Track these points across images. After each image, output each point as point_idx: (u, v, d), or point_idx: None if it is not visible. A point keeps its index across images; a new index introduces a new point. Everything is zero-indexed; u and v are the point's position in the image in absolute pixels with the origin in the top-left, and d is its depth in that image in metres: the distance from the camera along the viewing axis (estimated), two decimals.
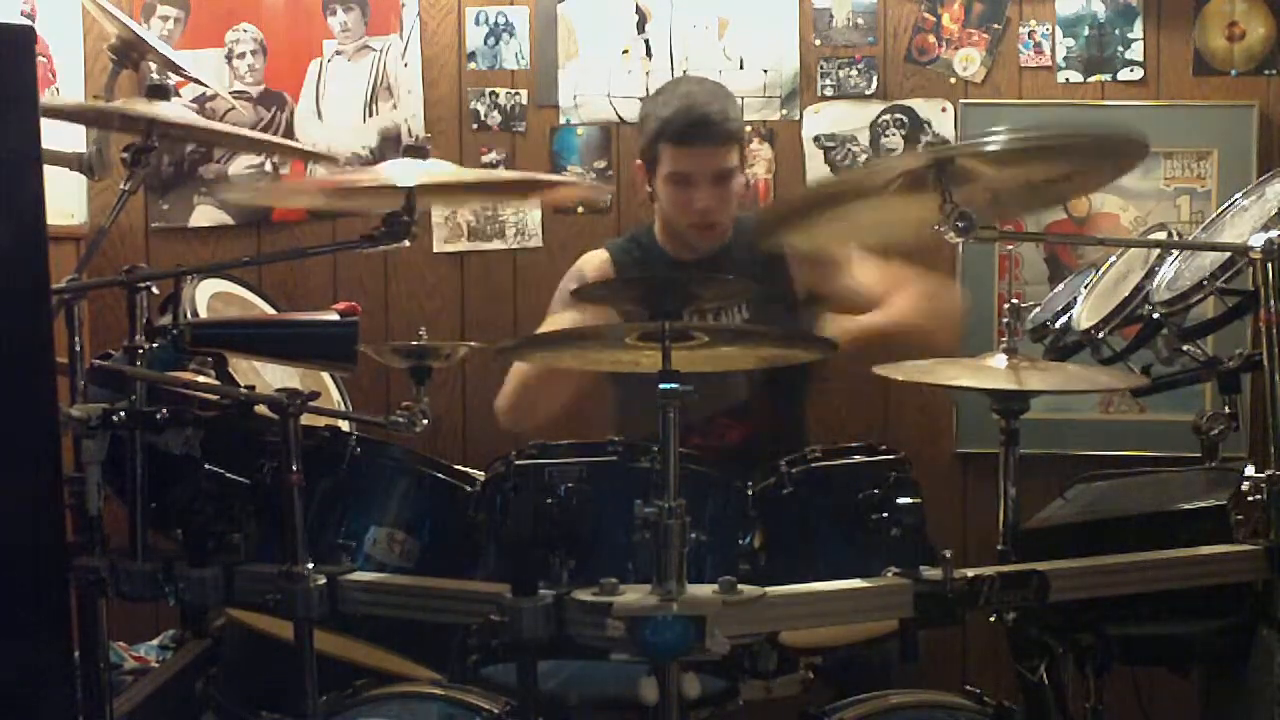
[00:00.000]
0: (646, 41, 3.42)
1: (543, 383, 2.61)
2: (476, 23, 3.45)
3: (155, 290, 1.96)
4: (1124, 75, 3.37)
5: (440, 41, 3.46)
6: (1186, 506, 2.02)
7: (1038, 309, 2.70)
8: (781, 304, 2.76)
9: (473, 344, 2.13)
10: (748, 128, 3.37)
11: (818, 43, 3.41)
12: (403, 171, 1.95)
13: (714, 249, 2.80)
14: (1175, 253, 2.28)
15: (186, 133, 2.52)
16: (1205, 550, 1.92)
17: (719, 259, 2.80)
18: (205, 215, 3.49)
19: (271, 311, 2.57)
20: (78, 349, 1.97)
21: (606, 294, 2.32)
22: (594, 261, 2.90)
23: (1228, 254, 2.05)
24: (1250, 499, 1.93)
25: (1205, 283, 2.09)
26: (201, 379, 1.98)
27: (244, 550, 1.87)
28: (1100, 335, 2.33)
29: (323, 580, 1.78)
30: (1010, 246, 3.21)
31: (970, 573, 1.79)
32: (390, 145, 3.42)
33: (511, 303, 3.47)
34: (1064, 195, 2.30)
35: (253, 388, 1.99)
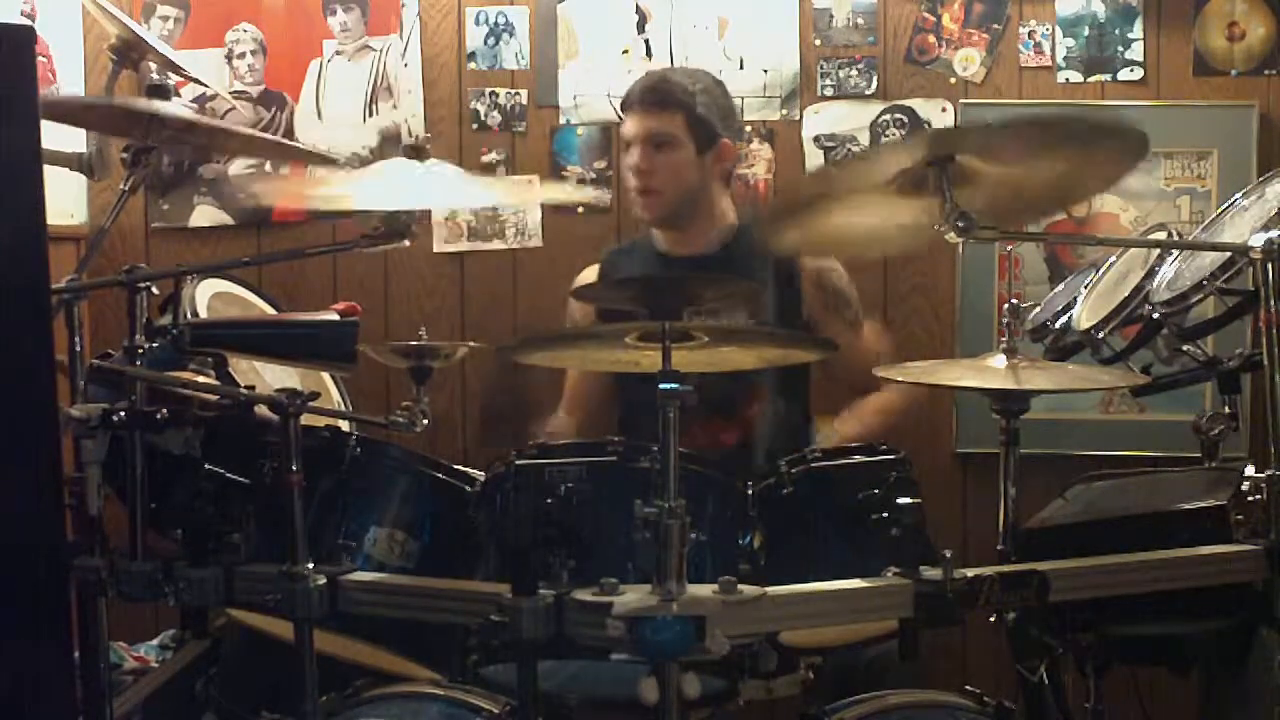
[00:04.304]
0: (646, 41, 3.42)
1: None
2: (476, 23, 3.45)
3: (155, 290, 1.96)
4: (1124, 75, 3.37)
5: (440, 41, 3.46)
6: (1186, 506, 2.02)
7: (1038, 309, 2.70)
8: (786, 320, 2.75)
9: (473, 344, 2.13)
10: (747, 127, 3.38)
11: (818, 43, 3.41)
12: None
13: (661, 218, 2.84)
14: (1175, 253, 2.28)
15: (187, 131, 2.50)
16: (1205, 550, 1.92)
17: (717, 258, 2.81)
18: (205, 215, 3.49)
19: (271, 311, 2.57)
20: (78, 349, 1.97)
21: (604, 294, 2.32)
22: (582, 280, 2.93)
23: (1228, 254, 2.05)
24: (1250, 499, 1.93)
25: (1205, 283, 2.09)
26: (201, 379, 1.98)
27: (244, 550, 1.86)
28: (1100, 335, 2.32)
29: (323, 580, 1.78)
30: (1010, 246, 3.20)
31: (970, 573, 1.78)
32: (390, 145, 3.42)
33: (511, 303, 3.47)
34: (1064, 198, 2.29)
35: (253, 388, 1.99)
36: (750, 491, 1.93)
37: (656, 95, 2.80)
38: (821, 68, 3.41)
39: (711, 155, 2.81)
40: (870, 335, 2.92)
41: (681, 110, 2.78)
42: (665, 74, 2.95)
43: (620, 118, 2.94)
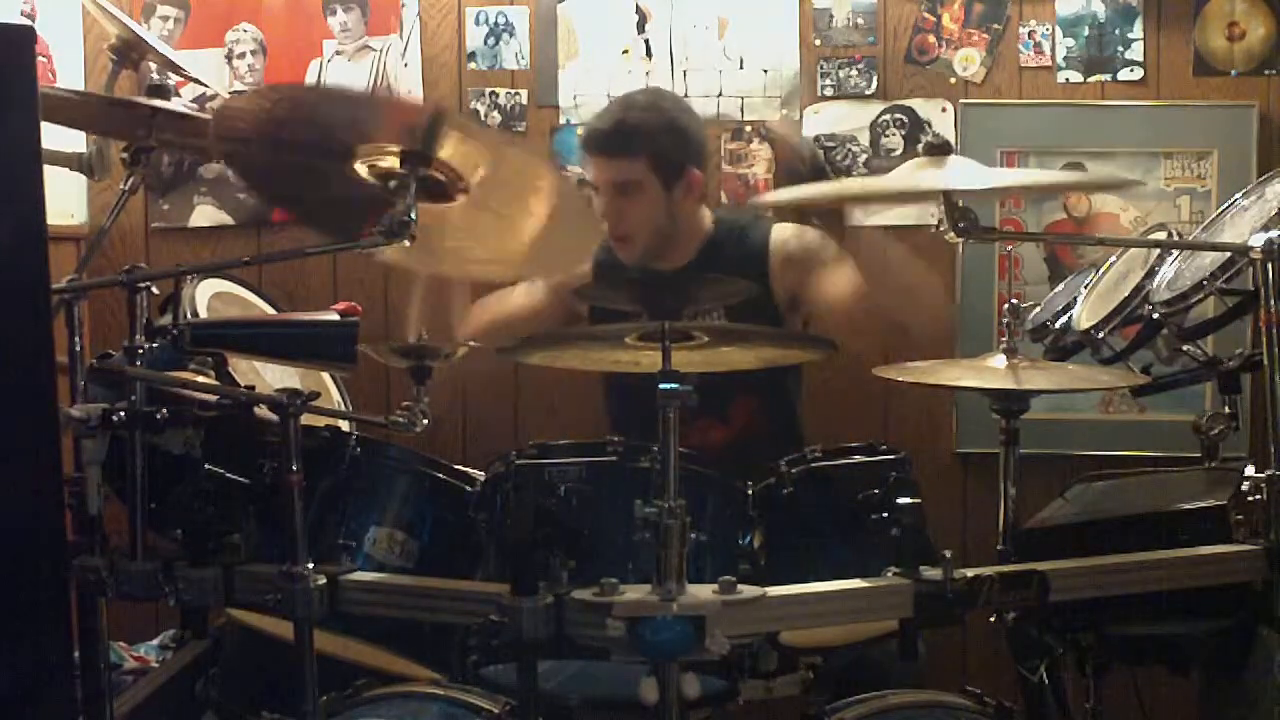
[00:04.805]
0: (646, 41, 3.42)
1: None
2: (476, 23, 3.45)
3: (155, 290, 1.96)
4: (1124, 75, 3.37)
5: (440, 41, 3.46)
6: (1186, 506, 2.02)
7: (1038, 309, 2.71)
8: (763, 311, 2.73)
9: (473, 344, 2.13)
10: (747, 127, 3.38)
11: (818, 43, 3.41)
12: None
13: (638, 259, 2.76)
14: (1175, 253, 2.28)
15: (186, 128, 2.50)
16: (1205, 550, 1.92)
17: (694, 265, 2.78)
18: (205, 215, 3.49)
19: (271, 311, 2.57)
20: (78, 349, 1.97)
21: (605, 294, 2.32)
22: None
23: (1228, 254, 2.05)
24: (1250, 499, 1.93)
25: (1205, 283, 2.09)
26: (201, 379, 1.98)
27: (244, 550, 1.86)
28: (1100, 335, 2.33)
29: (323, 580, 1.78)
30: (1010, 246, 3.21)
31: (970, 573, 1.79)
32: None
33: None
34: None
35: (253, 388, 1.99)
36: (750, 491, 1.93)
37: (614, 141, 2.69)
38: (821, 68, 3.41)
39: (680, 188, 2.73)
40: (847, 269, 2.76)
41: (644, 153, 2.68)
42: (624, 112, 2.76)
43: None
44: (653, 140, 2.69)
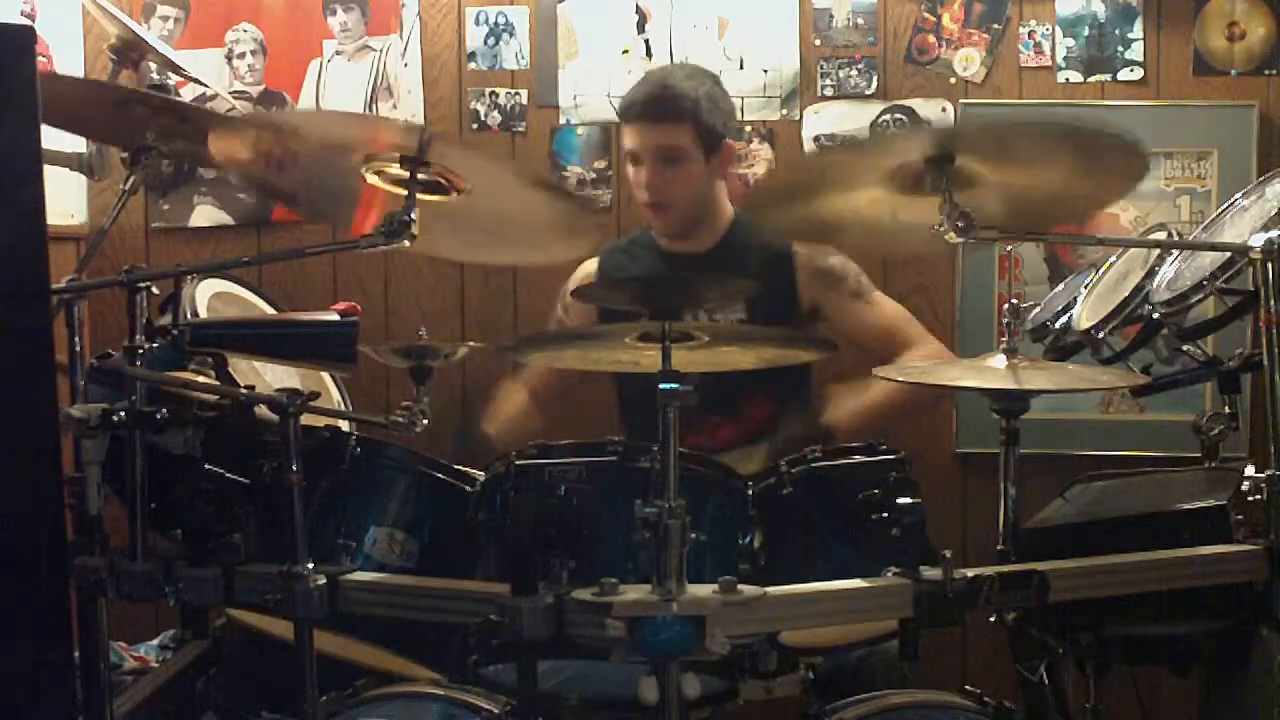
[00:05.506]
0: (646, 41, 3.42)
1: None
2: (476, 23, 3.45)
3: (155, 290, 1.96)
4: (1124, 75, 3.37)
5: (440, 41, 3.46)
6: (1186, 506, 2.02)
7: (1038, 309, 2.70)
8: (784, 309, 2.75)
9: (473, 344, 2.13)
10: (747, 127, 3.39)
11: (818, 43, 3.41)
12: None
13: (676, 230, 2.82)
14: (1175, 253, 2.28)
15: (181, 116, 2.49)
16: (1205, 550, 1.92)
17: (715, 253, 2.80)
18: (205, 215, 3.49)
19: (271, 311, 2.57)
20: (78, 349, 1.97)
21: (604, 294, 2.32)
22: (580, 274, 2.93)
23: (1228, 254, 2.05)
24: (1250, 499, 1.93)
25: (1205, 283, 2.09)
26: (201, 379, 1.98)
27: (244, 550, 1.86)
28: (1100, 335, 2.32)
29: (323, 580, 1.78)
30: (1010, 246, 3.20)
31: (970, 573, 1.79)
32: None
33: (511, 303, 3.48)
34: (1061, 213, 2.27)
35: (253, 388, 1.99)
36: (750, 491, 1.93)
37: (662, 107, 2.72)
38: (821, 68, 3.41)
39: (717, 159, 2.79)
40: (883, 303, 2.89)
41: (688, 120, 2.71)
42: (666, 80, 2.81)
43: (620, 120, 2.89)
44: (697, 107, 2.73)
